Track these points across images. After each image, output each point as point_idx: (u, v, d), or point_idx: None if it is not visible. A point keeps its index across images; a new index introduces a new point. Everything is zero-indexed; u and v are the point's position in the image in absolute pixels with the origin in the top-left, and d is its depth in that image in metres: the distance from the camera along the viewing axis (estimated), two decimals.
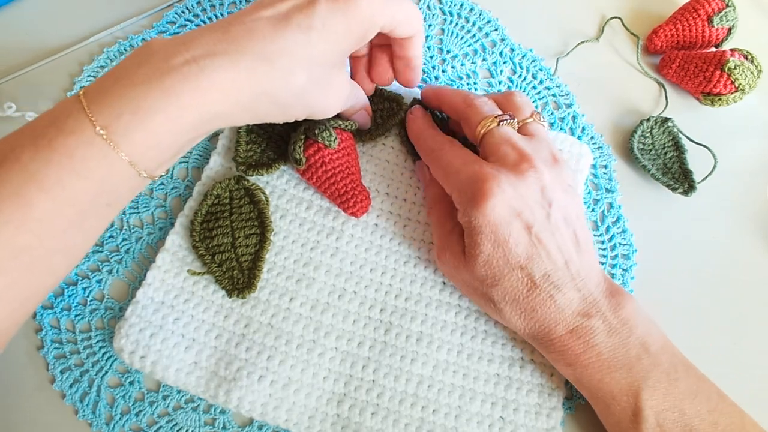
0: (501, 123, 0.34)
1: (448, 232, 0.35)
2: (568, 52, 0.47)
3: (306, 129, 0.37)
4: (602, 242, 0.41)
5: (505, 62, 0.46)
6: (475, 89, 0.45)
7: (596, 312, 0.32)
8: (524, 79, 0.46)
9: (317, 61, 0.29)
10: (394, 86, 0.42)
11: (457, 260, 0.33)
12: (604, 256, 0.41)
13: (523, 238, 0.31)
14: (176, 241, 0.37)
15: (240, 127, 0.39)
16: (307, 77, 0.29)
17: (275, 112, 0.31)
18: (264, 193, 0.38)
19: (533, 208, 0.31)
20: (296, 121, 0.40)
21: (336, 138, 0.36)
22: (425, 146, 0.36)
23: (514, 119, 0.34)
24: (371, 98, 0.41)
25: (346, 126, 0.37)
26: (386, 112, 0.41)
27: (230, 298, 0.36)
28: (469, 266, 0.32)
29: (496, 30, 0.48)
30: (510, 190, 0.31)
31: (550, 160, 0.34)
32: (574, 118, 0.45)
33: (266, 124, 0.40)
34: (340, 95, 0.33)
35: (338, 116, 0.40)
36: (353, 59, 0.38)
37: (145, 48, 0.28)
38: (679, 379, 0.32)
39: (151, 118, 0.26)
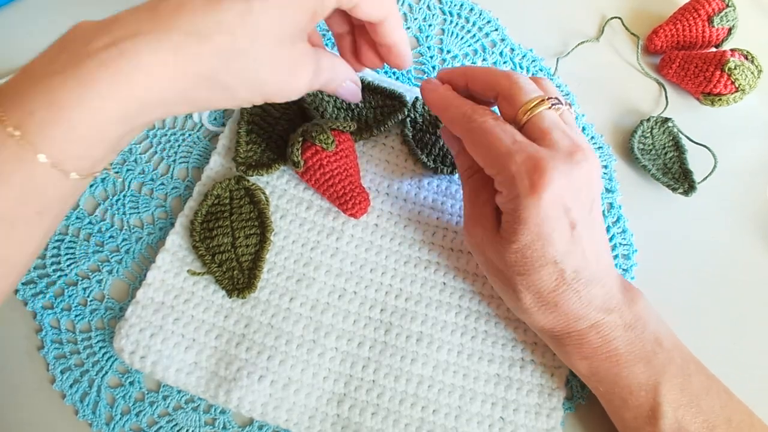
0: (553, 106, 0.31)
1: (482, 203, 0.32)
2: (568, 52, 0.47)
3: (304, 131, 0.37)
4: None
5: (505, 62, 0.46)
6: None
7: (615, 307, 0.32)
8: None
9: (263, 34, 0.26)
10: (395, 85, 0.42)
11: (489, 237, 0.31)
12: None
13: (566, 235, 0.29)
14: (176, 241, 0.37)
15: (240, 127, 0.39)
16: (251, 54, 0.26)
17: (219, 97, 0.27)
18: (264, 193, 0.38)
19: (581, 204, 0.30)
20: (295, 123, 0.40)
21: (333, 140, 0.36)
22: (458, 116, 0.32)
23: (562, 104, 0.32)
24: (371, 96, 0.41)
25: (344, 127, 0.37)
26: (387, 110, 0.41)
27: (230, 298, 0.36)
28: (500, 248, 0.30)
29: (496, 30, 0.48)
30: (565, 182, 0.28)
31: (591, 150, 0.31)
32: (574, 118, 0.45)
33: (266, 124, 0.40)
34: (300, 74, 0.29)
35: (336, 117, 0.40)
36: (337, 39, 0.36)
37: (69, 32, 0.25)
38: (692, 374, 0.32)
39: (67, 112, 0.23)
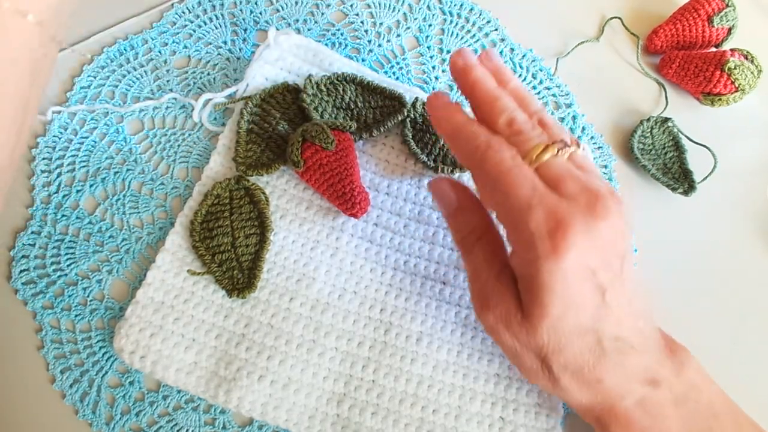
0: (559, 152, 0.27)
1: (495, 277, 0.28)
2: (568, 52, 0.47)
3: (304, 131, 0.37)
4: None
5: (505, 62, 0.46)
6: None
7: (663, 378, 0.28)
8: (524, 79, 0.46)
9: None
10: (395, 85, 0.42)
11: (510, 318, 0.27)
12: None
13: (596, 301, 0.26)
14: (176, 241, 0.37)
15: (240, 127, 0.39)
16: None
17: None
18: (264, 193, 0.38)
19: (608, 262, 0.26)
20: (295, 123, 0.40)
21: (333, 140, 0.36)
22: (470, 148, 0.28)
23: (567, 148, 0.28)
24: (371, 96, 0.41)
25: (344, 127, 0.37)
26: (387, 110, 0.41)
27: (230, 298, 0.36)
28: (528, 328, 0.27)
29: (496, 30, 0.48)
30: (589, 239, 0.25)
31: (612, 194, 0.27)
32: (574, 118, 0.45)
33: (266, 124, 0.40)
34: None
35: (336, 117, 0.40)
36: None
37: None
38: None
39: None
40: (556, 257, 0.24)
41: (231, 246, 0.36)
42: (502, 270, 0.28)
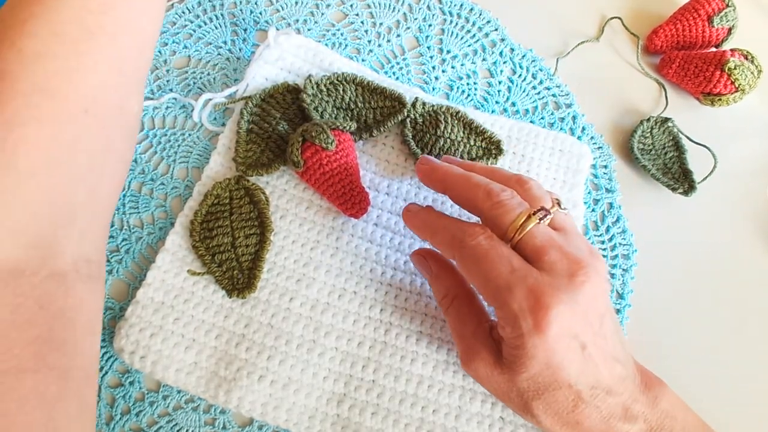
0: (541, 221, 0.29)
1: (472, 334, 0.30)
2: (568, 52, 0.47)
3: (304, 131, 0.37)
4: (602, 242, 0.41)
5: (505, 62, 0.46)
6: (475, 89, 0.45)
7: (639, 412, 0.30)
8: (524, 79, 0.46)
9: None
10: (395, 85, 0.42)
11: (491, 369, 0.29)
12: (604, 256, 0.41)
13: (577, 358, 0.28)
14: (176, 241, 0.37)
15: (240, 127, 0.39)
16: None
17: None
18: (264, 193, 0.38)
19: (589, 323, 0.28)
20: (295, 123, 0.40)
21: (333, 140, 0.36)
22: (447, 239, 0.30)
23: (548, 215, 0.29)
24: (371, 96, 0.41)
25: (344, 127, 0.37)
26: (386, 111, 0.41)
27: (230, 298, 0.36)
28: (508, 377, 0.29)
29: (496, 30, 0.48)
30: (571, 311, 0.27)
31: (591, 254, 0.29)
32: (574, 118, 0.45)
33: (266, 124, 0.40)
34: None
35: (336, 117, 0.40)
36: None
37: None
38: None
39: None
40: (539, 333, 0.26)
41: (231, 246, 0.36)
42: (477, 327, 0.31)
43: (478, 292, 0.29)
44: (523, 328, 0.27)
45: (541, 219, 0.29)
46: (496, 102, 0.45)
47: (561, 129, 0.44)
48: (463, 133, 0.41)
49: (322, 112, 0.40)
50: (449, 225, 0.30)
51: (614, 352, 0.29)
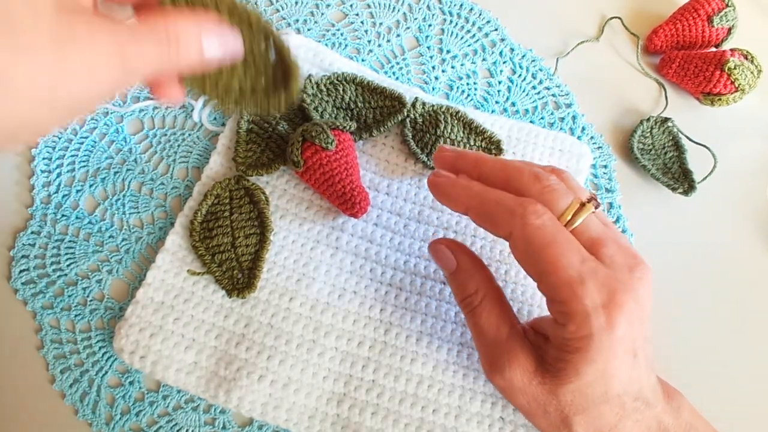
0: (594, 211, 0.27)
1: (505, 339, 0.27)
2: (568, 52, 0.47)
3: (303, 131, 0.37)
4: None
5: (505, 62, 0.46)
6: (475, 89, 0.45)
7: (668, 425, 0.28)
8: (524, 79, 0.46)
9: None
10: (395, 85, 0.42)
11: (529, 377, 0.26)
12: None
13: (629, 365, 0.26)
14: (176, 241, 0.37)
15: (240, 127, 0.39)
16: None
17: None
18: (264, 193, 0.38)
19: (642, 327, 0.26)
20: (295, 123, 0.40)
21: (333, 140, 0.36)
22: (503, 213, 0.26)
23: (600, 206, 0.27)
24: (371, 96, 0.41)
25: (344, 127, 0.37)
26: (387, 111, 0.41)
27: (230, 298, 0.36)
28: (551, 388, 0.26)
29: (496, 30, 0.48)
30: (637, 308, 0.25)
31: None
32: (574, 118, 0.45)
33: (266, 123, 0.40)
34: (83, 71, 0.18)
35: (336, 116, 0.40)
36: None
37: None
38: None
39: None
40: (611, 331, 0.24)
41: (231, 246, 0.36)
42: (511, 331, 0.27)
43: (535, 281, 0.25)
44: (594, 327, 0.24)
45: (595, 208, 0.26)
46: (496, 102, 0.45)
47: (561, 129, 0.44)
48: (463, 133, 0.41)
49: (322, 112, 0.40)
50: (504, 198, 0.26)
51: (652, 358, 0.28)
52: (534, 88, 0.46)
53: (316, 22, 0.46)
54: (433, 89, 0.45)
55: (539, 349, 0.27)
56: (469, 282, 0.29)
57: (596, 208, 0.27)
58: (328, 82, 0.41)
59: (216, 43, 0.22)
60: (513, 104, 0.45)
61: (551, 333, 0.26)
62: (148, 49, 0.20)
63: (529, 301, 0.37)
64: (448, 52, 0.46)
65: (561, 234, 0.25)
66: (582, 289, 0.24)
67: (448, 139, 0.40)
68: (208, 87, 0.26)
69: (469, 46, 0.47)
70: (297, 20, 0.46)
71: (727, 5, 0.46)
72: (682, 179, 0.43)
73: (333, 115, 0.40)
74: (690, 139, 0.44)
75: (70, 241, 0.38)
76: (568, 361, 0.25)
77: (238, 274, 0.36)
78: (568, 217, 0.26)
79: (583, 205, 0.26)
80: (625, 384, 0.26)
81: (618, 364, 0.25)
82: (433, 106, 0.41)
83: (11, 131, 0.18)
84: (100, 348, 0.36)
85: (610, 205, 0.42)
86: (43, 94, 0.17)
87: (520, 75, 0.46)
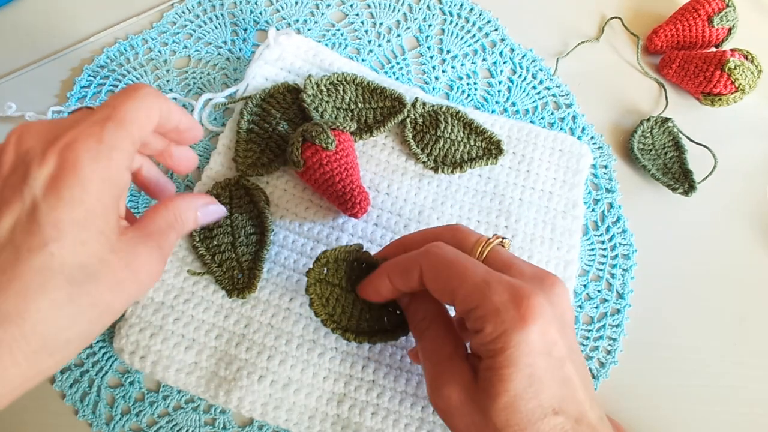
0: (503, 241, 0.29)
1: (449, 357, 0.27)
2: (568, 52, 0.47)
3: (304, 131, 0.37)
4: (602, 242, 0.41)
5: (505, 62, 0.46)
6: (475, 89, 0.45)
7: None
8: (524, 79, 0.46)
9: (74, 274, 0.23)
10: (395, 86, 0.42)
11: (466, 396, 0.26)
12: (604, 256, 0.41)
13: (558, 373, 0.25)
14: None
15: (240, 127, 0.39)
16: (71, 319, 0.23)
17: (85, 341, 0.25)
18: (264, 193, 0.38)
19: (565, 335, 0.26)
20: (295, 123, 0.40)
21: (333, 140, 0.36)
22: (411, 258, 0.28)
23: (506, 238, 0.30)
24: (371, 96, 0.41)
25: (344, 127, 0.37)
26: (386, 111, 0.41)
27: (230, 298, 0.36)
28: (485, 406, 0.25)
29: (496, 30, 0.48)
30: (551, 311, 0.25)
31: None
32: (574, 118, 0.45)
33: (266, 124, 0.40)
34: (141, 267, 0.26)
35: (336, 117, 0.40)
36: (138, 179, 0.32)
37: None
38: None
39: None
40: (524, 325, 0.24)
41: (231, 246, 0.36)
42: (454, 350, 0.28)
43: (451, 301, 0.27)
44: (506, 322, 0.24)
45: (502, 239, 0.29)
46: (496, 102, 0.45)
47: (561, 129, 0.44)
48: (463, 133, 0.41)
49: (322, 113, 0.40)
50: (416, 238, 0.30)
51: (589, 383, 0.27)
52: (534, 88, 0.46)
53: (316, 22, 0.46)
54: (433, 89, 0.45)
55: (476, 371, 0.26)
56: (419, 308, 0.30)
57: (502, 241, 0.29)
58: (328, 82, 0.41)
59: (207, 213, 0.31)
60: (513, 104, 0.45)
61: (475, 347, 0.26)
62: (170, 236, 0.28)
63: None
64: (448, 52, 0.46)
65: (463, 254, 0.27)
66: (489, 290, 0.25)
67: (448, 140, 0.40)
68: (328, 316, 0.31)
69: (469, 46, 0.47)
70: (297, 20, 0.46)
71: (727, 5, 0.46)
72: (682, 179, 0.43)
73: (333, 116, 0.40)
74: (690, 139, 0.44)
75: None
76: (493, 369, 0.25)
77: (238, 274, 0.36)
78: (477, 251, 0.28)
79: (491, 239, 0.28)
80: (560, 399, 0.25)
81: (542, 368, 0.24)
82: (433, 106, 0.41)
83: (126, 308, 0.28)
84: (100, 348, 0.36)
85: (610, 205, 0.42)
86: (136, 293, 0.26)
87: (520, 75, 0.46)
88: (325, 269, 0.32)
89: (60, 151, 0.23)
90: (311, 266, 0.31)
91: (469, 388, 0.26)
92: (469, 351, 0.28)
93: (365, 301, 0.32)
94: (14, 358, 0.22)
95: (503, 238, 0.30)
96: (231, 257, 0.36)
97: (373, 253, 0.33)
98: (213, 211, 0.32)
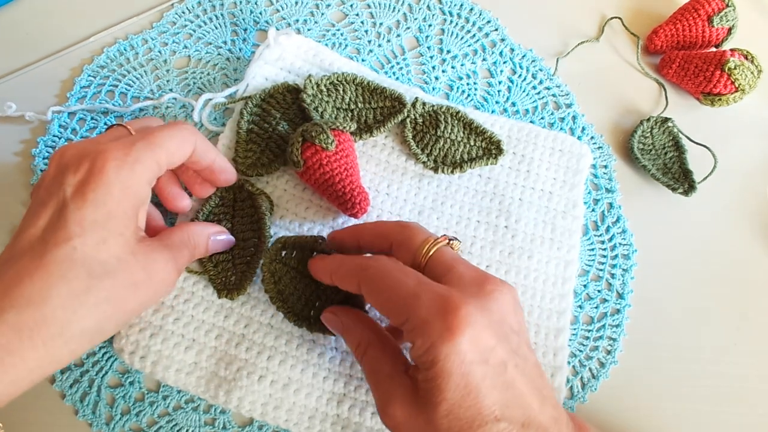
0: (450, 241, 0.30)
1: (389, 376, 0.28)
2: (568, 52, 0.47)
3: (303, 131, 0.37)
4: (602, 242, 0.41)
5: (505, 62, 0.46)
6: (475, 89, 0.45)
7: None
8: (524, 79, 0.46)
9: (100, 269, 0.26)
10: (395, 86, 0.42)
11: (408, 410, 0.26)
12: (604, 256, 0.41)
13: (499, 380, 0.25)
14: None
15: (240, 127, 0.39)
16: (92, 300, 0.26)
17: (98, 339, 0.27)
18: (268, 200, 0.38)
19: (507, 339, 0.26)
20: (295, 123, 0.40)
21: (333, 140, 0.36)
22: (352, 268, 0.29)
23: (455, 240, 0.30)
24: (371, 96, 0.41)
25: (344, 127, 0.37)
26: (386, 111, 0.41)
27: (219, 297, 0.35)
28: (426, 418, 0.25)
29: (496, 30, 0.48)
30: (483, 318, 0.25)
31: (501, 280, 0.29)
32: (574, 118, 0.45)
33: (266, 124, 0.40)
34: (159, 275, 0.29)
35: (336, 117, 0.40)
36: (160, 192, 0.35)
37: None
38: None
39: None
40: (452, 337, 0.24)
41: (229, 249, 0.36)
42: (392, 368, 0.28)
43: (386, 314, 0.27)
44: (434, 334, 0.24)
45: (450, 240, 0.30)
46: (496, 102, 0.45)
47: (561, 129, 0.44)
48: (463, 133, 0.41)
49: (322, 113, 0.40)
50: (354, 258, 0.30)
51: (541, 384, 0.27)
52: (534, 88, 0.46)
53: (316, 22, 0.46)
54: (433, 89, 0.45)
55: (416, 383, 0.26)
56: (354, 336, 0.30)
57: (450, 242, 0.30)
58: (328, 82, 0.41)
59: (217, 242, 0.35)
60: (513, 104, 0.45)
61: (412, 359, 0.26)
62: (183, 252, 0.31)
63: (529, 301, 0.37)
64: (448, 52, 0.46)
65: (399, 268, 0.28)
66: (416, 302, 0.25)
67: (448, 140, 0.40)
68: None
69: (469, 46, 0.47)
70: (297, 20, 0.46)
71: (727, 5, 0.46)
72: (682, 179, 0.43)
73: (333, 116, 0.40)
74: (690, 139, 0.44)
75: None
76: (430, 380, 0.25)
77: (231, 276, 0.36)
78: (422, 252, 0.28)
79: (438, 239, 0.29)
80: (502, 406, 0.25)
81: (480, 379, 0.24)
82: (433, 106, 0.41)
83: (140, 312, 0.30)
84: (100, 348, 0.36)
85: (610, 205, 0.42)
86: (150, 298, 0.29)
87: (520, 75, 0.46)
88: (283, 252, 0.34)
89: (92, 160, 0.27)
90: (269, 246, 0.34)
91: (412, 401, 0.26)
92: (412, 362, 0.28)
93: (320, 291, 0.34)
94: (33, 342, 0.24)
95: (452, 239, 0.30)
96: (227, 258, 0.36)
97: None
98: (223, 240, 0.35)
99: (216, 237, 0.34)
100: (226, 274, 0.36)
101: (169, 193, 0.34)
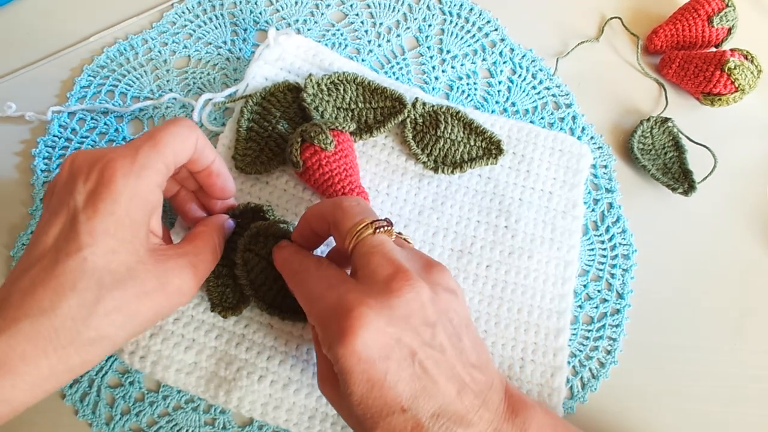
0: (377, 230, 0.29)
1: (322, 359, 0.29)
2: (568, 52, 0.47)
3: (303, 131, 0.37)
4: (602, 242, 0.41)
5: (505, 62, 0.46)
6: (475, 89, 0.45)
7: None
8: (524, 79, 0.46)
9: (111, 279, 0.26)
10: (395, 86, 0.42)
11: (333, 394, 0.28)
12: (604, 256, 0.41)
13: (405, 372, 0.26)
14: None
15: (240, 125, 0.39)
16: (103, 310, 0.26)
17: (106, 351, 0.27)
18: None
19: (415, 332, 0.26)
20: (295, 123, 0.40)
21: (332, 140, 0.36)
22: (290, 271, 0.31)
23: (391, 226, 0.29)
24: (371, 96, 0.41)
25: (343, 127, 0.37)
26: (387, 111, 0.41)
27: (211, 312, 0.35)
28: (345, 403, 0.27)
29: (496, 30, 0.48)
30: (383, 317, 0.26)
31: (427, 267, 0.29)
32: (574, 118, 0.45)
33: (266, 123, 0.40)
34: (174, 281, 0.28)
35: (336, 117, 0.40)
36: (175, 202, 0.35)
37: None
38: None
39: None
40: (344, 341, 0.25)
41: (232, 263, 0.35)
42: (324, 356, 0.29)
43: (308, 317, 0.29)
44: (330, 337, 0.26)
45: (377, 228, 0.29)
46: (496, 102, 0.45)
47: (561, 129, 0.44)
48: (463, 133, 0.41)
49: (322, 112, 0.40)
50: (295, 261, 0.32)
51: (463, 371, 0.27)
52: (534, 88, 0.46)
53: (316, 22, 0.46)
54: (433, 89, 0.45)
55: None
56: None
57: (389, 225, 0.29)
58: (329, 81, 0.41)
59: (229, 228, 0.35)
60: (513, 104, 0.45)
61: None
62: (206, 257, 0.31)
63: (529, 301, 0.37)
64: (448, 52, 0.46)
65: (319, 271, 0.29)
66: (321, 305, 0.27)
67: (448, 140, 0.40)
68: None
69: (469, 46, 0.47)
70: (297, 20, 0.46)
71: (727, 5, 0.46)
72: (682, 179, 0.43)
73: (333, 115, 0.40)
74: (690, 139, 0.44)
75: None
76: (339, 373, 0.26)
77: (229, 293, 0.35)
78: (353, 234, 0.29)
79: (366, 225, 0.29)
80: (410, 397, 0.26)
81: (383, 372, 0.25)
82: (433, 106, 0.41)
83: (155, 321, 0.29)
84: None
85: (610, 205, 0.42)
86: (164, 307, 0.28)
87: (520, 75, 0.46)
88: (258, 240, 0.34)
89: (100, 169, 0.27)
90: (243, 235, 0.34)
91: (337, 387, 0.28)
92: None
93: None
94: (45, 350, 0.24)
95: (382, 227, 0.29)
96: (229, 273, 0.35)
97: None
98: (231, 225, 0.35)
99: (229, 223, 0.35)
100: (225, 290, 0.35)
101: (190, 209, 0.35)
